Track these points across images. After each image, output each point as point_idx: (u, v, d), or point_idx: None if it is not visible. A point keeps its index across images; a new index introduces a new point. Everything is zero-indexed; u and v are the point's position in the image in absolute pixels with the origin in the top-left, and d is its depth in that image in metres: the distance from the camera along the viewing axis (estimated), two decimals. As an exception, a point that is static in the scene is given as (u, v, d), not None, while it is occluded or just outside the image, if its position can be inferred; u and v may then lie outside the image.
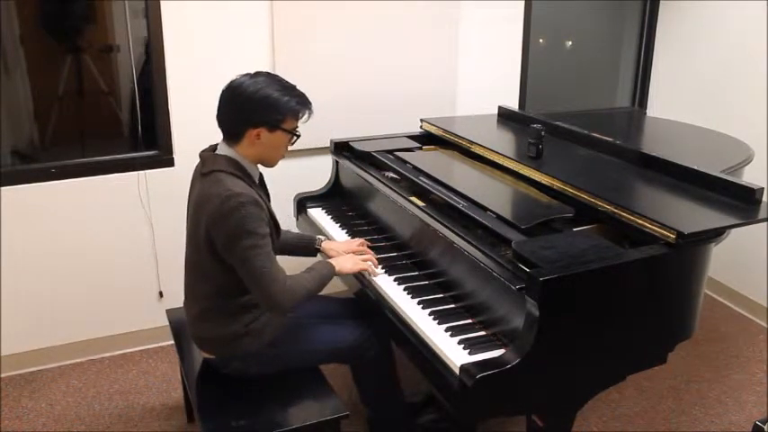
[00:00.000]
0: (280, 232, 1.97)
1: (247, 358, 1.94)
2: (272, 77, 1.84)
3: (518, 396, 1.60)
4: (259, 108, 1.79)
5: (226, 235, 1.74)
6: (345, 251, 2.16)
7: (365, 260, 2.08)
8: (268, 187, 2.02)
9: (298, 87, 1.87)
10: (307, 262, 2.05)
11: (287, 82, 1.86)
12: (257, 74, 1.84)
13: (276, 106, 1.80)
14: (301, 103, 1.84)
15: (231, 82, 1.84)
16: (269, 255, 1.79)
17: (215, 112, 1.87)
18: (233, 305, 1.88)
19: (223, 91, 1.85)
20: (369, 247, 2.23)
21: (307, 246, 2.24)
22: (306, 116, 1.87)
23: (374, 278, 2.07)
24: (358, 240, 2.25)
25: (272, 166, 1.94)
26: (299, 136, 1.88)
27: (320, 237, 2.28)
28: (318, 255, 2.24)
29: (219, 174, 1.79)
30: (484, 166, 2.43)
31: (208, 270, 1.85)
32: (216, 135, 1.93)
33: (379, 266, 2.12)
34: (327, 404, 1.89)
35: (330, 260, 2.04)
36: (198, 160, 1.94)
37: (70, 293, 2.80)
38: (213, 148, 1.92)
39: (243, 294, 1.87)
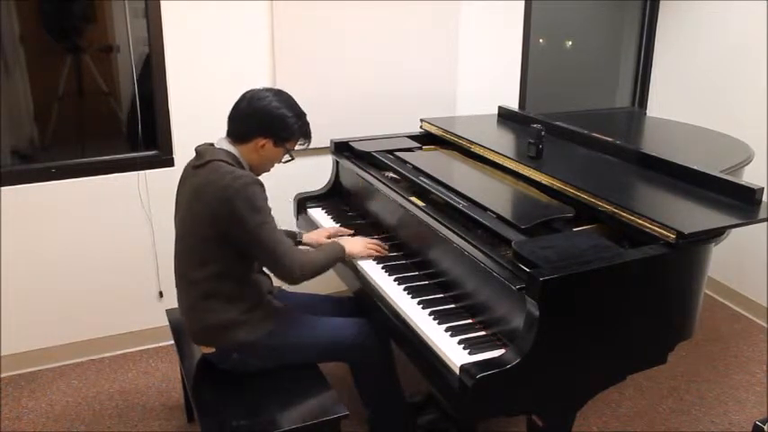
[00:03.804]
0: None
1: (246, 350, 1.95)
2: (292, 100, 1.98)
3: (518, 396, 1.60)
4: (275, 123, 1.93)
5: (235, 215, 1.79)
6: (326, 237, 2.30)
7: (373, 245, 2.18)
8: (269, 187, 2.03)
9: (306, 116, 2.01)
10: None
11: (301, 109, 2.00)
12: (280, 92, 1.98)
13: (289, 126, 1.95)
14: (306, 132, 2.02)
15: (254, 92, 1.96)
16: (277, 230, 1.88)
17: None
18: (229, 291, 1.91)
19: (243, 96, 1.96)
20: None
21: (289, 239, 2.29)
22: (306, 144, 2.04)
23: (374, 278, 2.07)
24: (333, 228, 2.39)
25: (257, 176, 1.98)
26: (293, 158, 2.03)
27: (300, 231, 2.41)
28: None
29: (218, 162, 1.87)
30: (484, 166, 2.43)
31: (206, 255, 1.87)
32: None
33: (386, 247, 2.22)
34: (327, 404, 1.89)
35: (341, 241, 2.15)
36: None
37: (70, 293, 2.81)
38: (209, 145, 1.97)
39: (239, 281, 1.91)
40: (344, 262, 2.18)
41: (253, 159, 1.96)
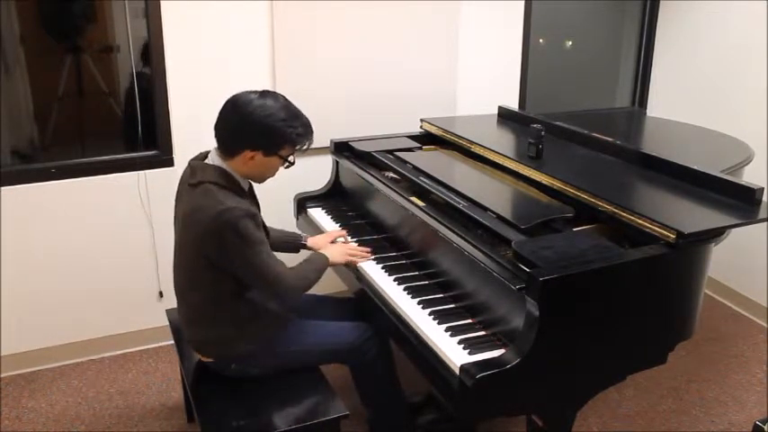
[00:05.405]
0: (269, 236, 1.99)
1: (246, 360, 1.95)
2: (280, 101, 1.82)
3: (518, 396, 1.60)
4: (261, 133, 1.79)
5: (224, 248, 1.75)
6: (328, 241, 2.27)
7: (353, 253, 2.16)
8: (264, 189, 2.02)
9: (304, 115, 1.86)
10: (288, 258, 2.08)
11: (294, 108, 1.85)
12: (265, 94, 1.82)
13: (278, 135, 1.80)
14: (303, 134, 1.84)
15: (237, 97, 1.82)
16: (269, 255, 1.83)
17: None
18: (225, 310, 1.89)
19: (227, 104, 1.83)
20: (362, 241, 2.31)
21: (293, 242, 2.29)
22: (306, 146, 1.87)
23: (374, 278, 2.07)
24: (337, 231, 2.35)
25: (259, 183, 1.95)
26: (292, 163, 1.89)
27: (304, 234, 2.36)
28: (302, 251, 2.29)
29: (209, 185, 1.78)
30: (484, 166, 2.43)
31: (199, 279, 1.85)
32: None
33: (370, 252, 2.20)
34: (327, 404, 1.89)
35: (322, 251, 2.12)
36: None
37: (70, 293, 2.80)
38: (203, 156, 1.91)
39: (235, 300, 1.88)
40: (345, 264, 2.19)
41: (245, 172, 1.85)
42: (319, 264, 2.04)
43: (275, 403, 1.90)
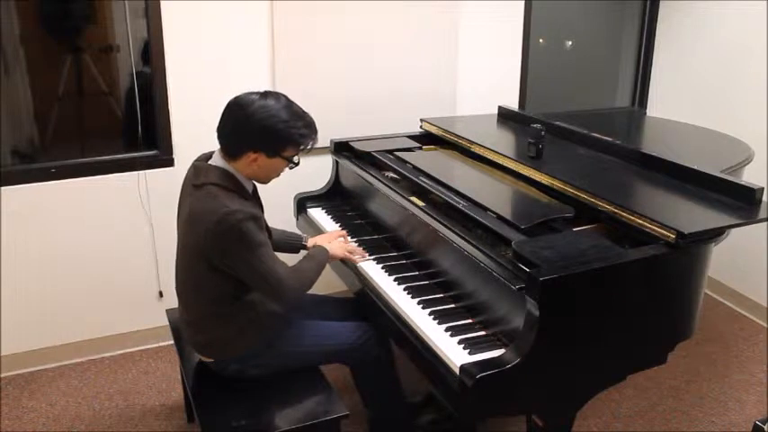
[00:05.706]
0: (271, 236, 1.98)
1: (246, 360, 1.94)
2: (282, 101, 1.81)
3: (518, 396, 1.60)
4: (263, 135, 1.78)
5: (227, 251, 1.75)
6: (329, 241, 2.25)
7: (352, 250, 2.18)
8: (264, 189, 2.02)
9: (308, 115, 1.85)
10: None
11: (297, 108, 1.83)
12: (267, 95, 1.81)
13: (280, 136, 1.79)
14: (306, 135, 1.83)
15: (239, 99, 1.81)
16: (272, 257, 1.82)
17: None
18: (227, 312, 1.89)
19: (229, 105, 1.82)
20: (362, 241, 2.31)
21: (294, 243, 2.28)
22: (310, 146, 1.86)
23: (374, 278, 2.07)
24: (337, 231, 2.35)
25: (264, 184, 1.94)
26: (296, 164, 1.88)
27: (305, 235, 2.35)
28: (301, 251, 2.28)
29: (212, 188, 1.78)
30: (484, 166, 2.43)
31: (201, 282, 1.85)
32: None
33: (367, 254, 2.22)
34: (327, 404, 1.89)
35: (322, 245, 2.12)
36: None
37: (70, 293, 2.80)
38: (207, 156, 1.91)
39: (236, 301, 1.88)
40: (344, 263, 2.20)
41: (249, 174, 1.85)
42: (320, 258, 2.05)
43: (275, 403, 1.90)
